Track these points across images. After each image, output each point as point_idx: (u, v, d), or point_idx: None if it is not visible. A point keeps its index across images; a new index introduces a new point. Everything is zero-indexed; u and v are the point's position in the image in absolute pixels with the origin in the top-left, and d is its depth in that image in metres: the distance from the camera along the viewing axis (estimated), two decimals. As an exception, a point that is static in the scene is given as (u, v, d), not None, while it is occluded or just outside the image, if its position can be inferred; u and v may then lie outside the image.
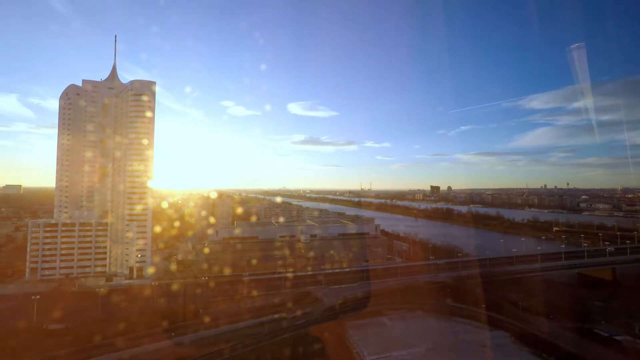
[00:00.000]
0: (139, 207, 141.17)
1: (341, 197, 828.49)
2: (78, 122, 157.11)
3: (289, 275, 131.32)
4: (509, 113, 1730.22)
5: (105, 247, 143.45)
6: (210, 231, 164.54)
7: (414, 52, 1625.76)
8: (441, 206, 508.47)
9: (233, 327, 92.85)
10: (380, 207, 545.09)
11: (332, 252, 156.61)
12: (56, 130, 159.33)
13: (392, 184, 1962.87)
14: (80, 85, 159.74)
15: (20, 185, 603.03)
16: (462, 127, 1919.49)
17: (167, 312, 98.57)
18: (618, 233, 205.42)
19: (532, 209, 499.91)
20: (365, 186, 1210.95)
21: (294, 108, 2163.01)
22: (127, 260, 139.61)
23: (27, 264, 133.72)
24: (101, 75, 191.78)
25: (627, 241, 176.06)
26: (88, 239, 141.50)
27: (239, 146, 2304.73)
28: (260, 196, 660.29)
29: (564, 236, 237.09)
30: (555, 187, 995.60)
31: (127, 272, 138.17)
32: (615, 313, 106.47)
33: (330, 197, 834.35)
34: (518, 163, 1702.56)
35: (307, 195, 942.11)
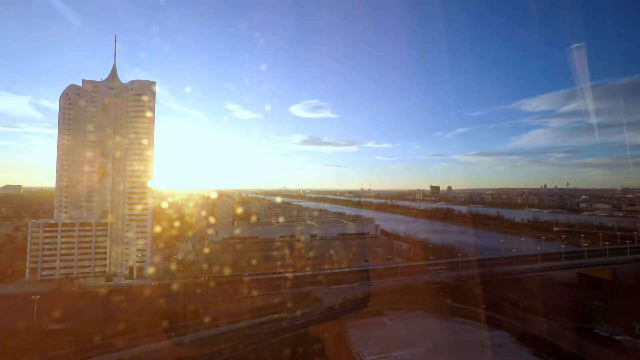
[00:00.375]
0: (139, 207, 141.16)
1: (341, 197, 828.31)
2: (78, 122, 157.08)
3: (289, 275, 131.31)
4: (509, 114, 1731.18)
5: (105, 247, 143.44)
6: (210, 231, 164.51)
7: (413, 53, 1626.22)
8: (441, 206, 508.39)
9: (233, 327, 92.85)
10: (380, 207, 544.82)
11: (332, 252, 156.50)
12: (56, 130, 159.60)
13: (392, 184, 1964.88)
14: (80, 85, 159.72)
15: (20, 185, 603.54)
16: (462, 128, 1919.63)
17: (167, 312, 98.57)
18: (618, 233, 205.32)
19: (532, 209, 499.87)
20: (365, 186, 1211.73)
21: (295, 109, 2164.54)
22: (127, 260, 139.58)
23: (27, 264, 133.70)
24: (101, 75, 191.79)
25: (627, 241, 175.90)
26: (88, 239, 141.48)
27: (239, 146, 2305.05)
28: (260, 196, 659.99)
29: (564, 236, 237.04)
30: (555, 187, 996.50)
31: (127, 272, 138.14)
32: (615, 313, 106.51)
33: (330, 197, 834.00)
34: (518, 163, 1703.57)
35: (307, 195, 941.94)
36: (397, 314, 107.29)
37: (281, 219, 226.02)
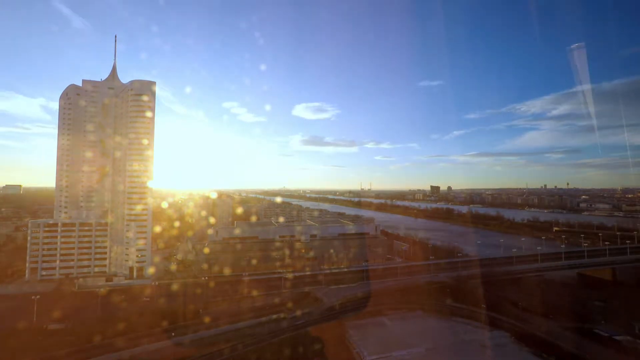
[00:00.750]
0: (139, 207, 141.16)
1: (341, 197, 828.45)
2: (78, 122, 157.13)
3: (289, 275, 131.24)
4: (509, 114, 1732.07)
5: (105, 247, 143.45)
6: (210, 231, 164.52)
7: (412, 56, 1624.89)
8: (441, 206, 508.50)
9: (233, 327, 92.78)
10: (380, 207, 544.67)
11: (332, 252, 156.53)
12: (56, 130, 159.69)
13: (392, 184, 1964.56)
14: (80, 85, 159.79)
15: (20, 185, 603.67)
16: (460, 130, 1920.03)
17: (167, 312, 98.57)
18: (618, 233, 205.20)
19: (532, 209, 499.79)
20: (366, 186, 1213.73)
21: (296, 109, 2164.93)
22: (127, 260, 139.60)
23: (27, 264, 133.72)
24: (101, 75, 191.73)
25: (627, 241, 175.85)
26: (88, 239, 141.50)
27: (239, 146, 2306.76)
28: (260, 196, 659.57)
29: (564, 236, 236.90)
30: (555, 187, 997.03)
31: (127, 272, 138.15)
32: (615, 313, 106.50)
33: (330, 197, 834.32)
34: (517, 163, 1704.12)
35: (307, 195, 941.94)
36: (397, 314, 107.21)
37: (281, 219, 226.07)
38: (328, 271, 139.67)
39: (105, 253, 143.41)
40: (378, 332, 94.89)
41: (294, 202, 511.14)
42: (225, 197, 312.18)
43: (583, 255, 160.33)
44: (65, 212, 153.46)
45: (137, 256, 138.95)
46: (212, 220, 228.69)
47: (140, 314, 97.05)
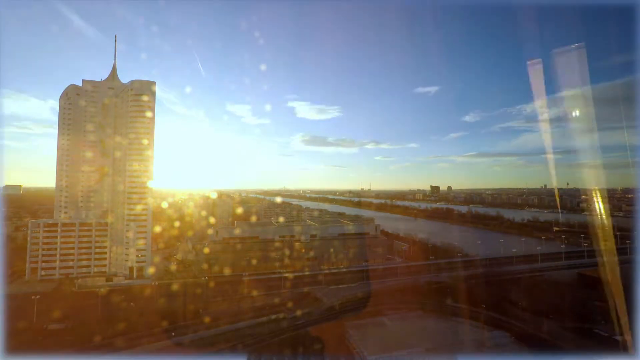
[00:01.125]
0: (139, 207, 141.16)
1: (341, 197, 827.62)
2: (78, 122, 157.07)
3: (289, 275, 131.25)
4: (510, 114, 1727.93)
5: (105, 247, 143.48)
6: (210, 231, 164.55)
7: (412, 58, 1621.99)
8: (441, 206, 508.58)
9: (233, 327, 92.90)
10: (380, 207, 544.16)
11: (331, 252, 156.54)
12: (56, 131, 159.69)
13: (392, 185, 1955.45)
14: (80, 85, 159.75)
15: (20, 185, 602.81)
16: (459, 131, 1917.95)
17: (167, 312, 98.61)
18: (618, 233, 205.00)
19: (532, 209, 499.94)
20: (366, 186, 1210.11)
21: (296, 110, 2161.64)
22: (127, 261, 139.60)
23: (27, 264, 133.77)
24: (101, 75, 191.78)
25: (627, 241, 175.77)
26: (88, 239, 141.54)
27: (239, 146, 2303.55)
28: (260, 196, 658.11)
29: (564, 236, 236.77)
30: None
31: (127, 272, 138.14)
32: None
33: (330, 197, 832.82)
34: (517, 163, 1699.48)
35: (307, 195, 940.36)
36: (397, 314, 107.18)
37: (281, 219, 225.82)
38: (328, 271, 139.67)
39: (105, 253, 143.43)
40: (378, 332, 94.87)
41: (294, 202, 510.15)
42: (225, 197, 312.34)
43: (583, 255, 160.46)
44: (65, 212, 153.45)
45: (137, 256, 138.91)
46: (212, 220, 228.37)
47: (140, 314, 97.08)
